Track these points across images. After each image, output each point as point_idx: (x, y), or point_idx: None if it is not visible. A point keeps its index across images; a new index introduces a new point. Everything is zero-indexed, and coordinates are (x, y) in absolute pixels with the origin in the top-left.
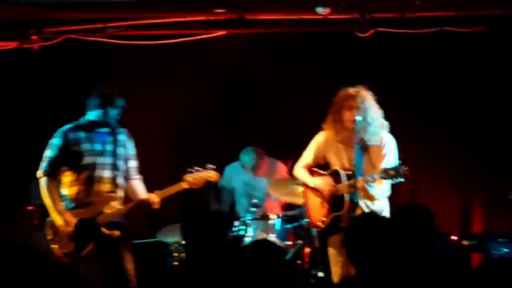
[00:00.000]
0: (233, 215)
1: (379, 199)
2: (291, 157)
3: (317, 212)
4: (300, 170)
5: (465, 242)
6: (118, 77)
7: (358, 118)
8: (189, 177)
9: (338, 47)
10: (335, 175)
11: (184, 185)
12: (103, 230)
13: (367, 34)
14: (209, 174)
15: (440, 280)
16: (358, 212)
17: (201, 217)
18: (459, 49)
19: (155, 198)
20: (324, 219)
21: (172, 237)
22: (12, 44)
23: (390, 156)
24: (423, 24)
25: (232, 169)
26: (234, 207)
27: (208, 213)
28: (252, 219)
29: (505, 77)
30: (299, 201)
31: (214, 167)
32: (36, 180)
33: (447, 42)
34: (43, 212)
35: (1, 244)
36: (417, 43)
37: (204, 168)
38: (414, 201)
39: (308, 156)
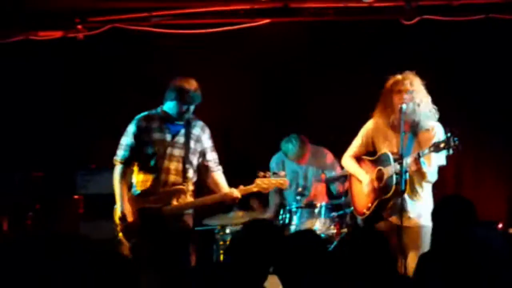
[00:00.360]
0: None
1: (429, 179)
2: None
3: (363, 200)
4: (347, 160)
5: (511, 230)
6: (162, 67)
7: (404, 106)
8: (260, 181)
9: (383, 35)
10: (383, 158)
11: (254, 188)
12: (169, 220)
13: (413, 21)
14: (280, 181)
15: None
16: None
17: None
18: (505, 36)
19: (237, 193)
20: (370, 205)
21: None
22: (57, 34)
23: None
24: (469, 11)
25: (277, 160)
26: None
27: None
28: (297, 207)
29: None
30: None
31: (284, 173)
32: (82, 170)
33: (493, 29)
34: (89, 201)
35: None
36: (463, 30)
37: (277, 174)
38: (459, 191)
39: (356, 143)
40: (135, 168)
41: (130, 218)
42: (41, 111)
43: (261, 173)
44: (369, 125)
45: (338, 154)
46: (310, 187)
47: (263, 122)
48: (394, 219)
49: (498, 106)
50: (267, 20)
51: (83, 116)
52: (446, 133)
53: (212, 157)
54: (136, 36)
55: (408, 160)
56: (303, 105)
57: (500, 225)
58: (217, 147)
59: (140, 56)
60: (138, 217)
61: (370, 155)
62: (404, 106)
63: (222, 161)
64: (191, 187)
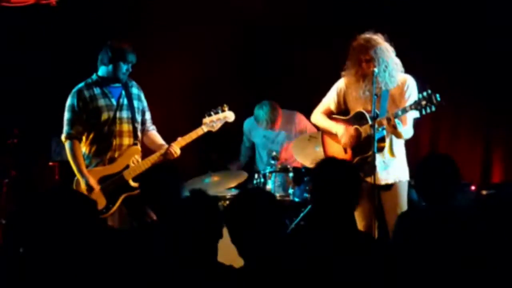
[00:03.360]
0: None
1: (405, 137)
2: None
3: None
4: (318, 116)
5: (483, 192)
6: (135, 27)
7: (375, 70)
8: (207, 120)
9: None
10: (359, 117)
11: (203, 129)
12: (131, 183)
13: None
14: (226, 114)
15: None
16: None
17: None
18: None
19: (176, 148)
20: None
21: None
22: (30, 0)
23: (413, 98)
24: None
25: (249, 124)
26: (253, 162)
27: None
28: (271, 172)
29: None
30: None
31: (227, 106)
32: (57, 137)
33: None
34: (64, 168)
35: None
36: None
37: (221, 109)
38: (435, 151)
39: (327, 101)
40: (87, 139)
41: (96, 187)
42: (16, 77)
43: (206, 113)
44: (340, 83)
45: None
46: (283, 151)
47: (241, 84)
48: (370, 179)
49: (474, 67)
50: None
51: (58, 83)
52: (424, 89)
53: (148, 116)
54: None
55: (386, 118)
56: (275, 66)
57: (473, 187)
58: (190, 108)
59: (115, 19)
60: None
61: (342, 115)
62: (376, 70)
63: (194, 123)
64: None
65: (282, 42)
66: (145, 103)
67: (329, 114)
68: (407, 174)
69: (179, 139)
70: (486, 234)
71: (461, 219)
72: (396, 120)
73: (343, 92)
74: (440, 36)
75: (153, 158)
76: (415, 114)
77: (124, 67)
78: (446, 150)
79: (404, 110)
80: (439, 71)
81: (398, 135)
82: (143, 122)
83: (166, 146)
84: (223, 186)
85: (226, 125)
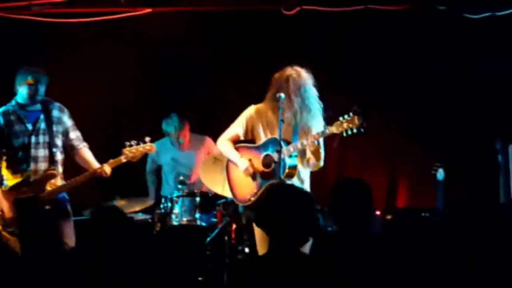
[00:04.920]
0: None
1: (323, 160)
2: None
3: (246, 187)
4: (223, 143)
5: (388, 217)
6: (45, 55)
7: (282, 95)
8: (127, 151)
9: (265, 25)
10: (271, 144)
11: (122, 159)
12: (46, 207)
13: (293, 12)
14: (147, 147)
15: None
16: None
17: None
18: (383, 27)
19: (107, 168)
20: (256, 191)
21: None
22: None
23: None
24: (349, 2)
25: (158, 146)
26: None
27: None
28: (178, 196)
29: (431, 53)
30: (223, 192)
31: (149, 139)
32: None
33: (372, 20)
34: None
35: None
36: (343, 21)
37: (142, 141)
38: (342, 175)
39: (235, 128)
40: (3, 163)
41: (8, 213)
42: None
43: (127, 143)
44: (251, 110)
45: None
46: (190, 175)
47: (149, 111)
48: None
49: (380, 93)
50: (149, 10)
51: None
52: (348, 112)
53: (75, 135)
54: (17, 24)
55: (304, 142)
56: (188, 94)
57: (378, 212)
58: (106, 134)
59: (23, 45)
60: (15, 208)
61: (248, 143)
62: (282, 95)
63: (112, 147)
64: (60, 170)
65: (195, 69)
66: (68, 124)
67: (236, 141)
68: None
69: (111, 161)
70: (394, 258)
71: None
72: (321, 140)
73: (253, 120)
74: (341, 65)
75: (80, 178)
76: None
77: (31, 88)
78: (353, 176)
79: (325, 132)
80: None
81: (319, 156)
82: (69, 143)
83: (96, 166)
84: (129, 210)
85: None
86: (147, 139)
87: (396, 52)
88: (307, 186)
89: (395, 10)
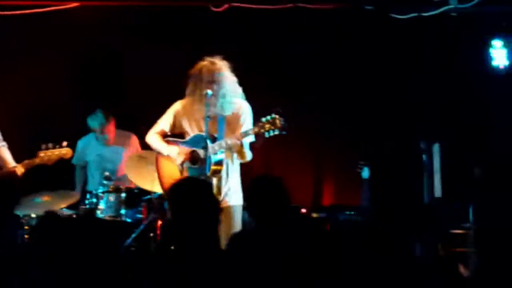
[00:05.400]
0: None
1: (248, 159)
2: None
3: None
4: (153, 137)
5: (314, 215)
6: None
7: (209, 92)
8: (42, 153)
9: (193, 22)
10: (196, 140)
11: (36, 161)
12: None
13: (222, 8)
14: (63, 151)
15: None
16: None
17: None
18: (312, 26)
19: (21, 168)
20: None
21: (25, 209)
22: None
23: (247, 124)
24: (278, 0)
25: (84, 143)
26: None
27: None
28: (103, 192)
29: (360, 51)
30: (152, 187)
31: (67, 143)
32: None
33: (300, 18)
34: None
35: None
36: (271, 18)
37: (59, 145)
38: (267, 173)
39: (162, 123)
40: None
41: None
42: None
43: (43, 145)
44: (177, 106)
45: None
46: (116, 171)
47: (74, 107)
48: None
49: (304, 89)
50: (76, 4)
51: None
52: (270, 113)
53: None
54: None
55: (228, 141)
56: (114, 90)
57: (304, 210)
58: (27, 131)
59: None
60: None
61: (177, 137)
62: (209, 92)
63: (37, 144)
64: None
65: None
66: None
67: (164, 136)
68: (241, 197)
69: (25, 162)
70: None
71: (290, 240)
72: (243, 140)
73: (180, 115)
74: (268, 62)
75: None
76: (251, 138)
77: None
78: (279, 174)
79: (247, 133)
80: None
81: (243, 155)
82: None
83: (12, 165)
84: (54, 206)
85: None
86: (64, 143)
87: (323, 50)
88: (234, 185)
89: (323, 9)
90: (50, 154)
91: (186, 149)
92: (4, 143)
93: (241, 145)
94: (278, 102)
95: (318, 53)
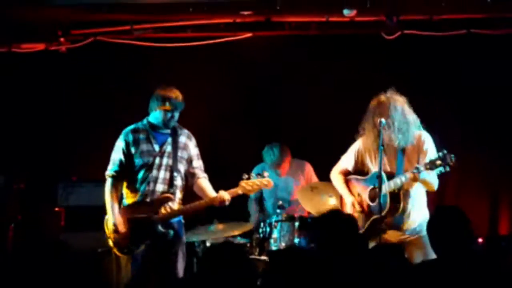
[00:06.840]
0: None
1: (434, 187)
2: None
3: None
4: (336, 176)
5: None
6: (146, 79)
7: (383, 120)
8: (244, 183)
9: (365, 49)
10: (375, 178)
11: (239, 191)
12: (159, 228)
13: (394, 36)
14: (264, 181)
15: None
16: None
17: None
18: (486, 51)
19: (226, 195)
20: (363, 223)
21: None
22: (39, 46)
23: (431, 151)
24: (450, 26)
25: (258, 169)
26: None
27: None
28: (277, 221)
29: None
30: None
31: (267, 173)
32: (63, 182)
33: (474, 44)
34: (70, 213)
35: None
36: (444, 45)
37: (260, 175)
38: (441, 202)
39: (346, 161)
40: (125, 180)
41: (122, 229)
42: (24, 123)
43: (245, 175)
44: (358, 144)
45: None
46: (289, 200)
47: (247, 132)
48: (390, 235)
49: (482, 118)
50: (249, 34)
51: (65, 128)
52: (440, 149)
53: (198, 164)
54: (118, 49)
55: (403, 178)
56: (287, 118)
57: (480, 240)
58: (203, 155)
59: (122, 69)
60: (129, 227)
61: (359, 174)
62: (383, 120)
63: (208, 169)
64: (179, 195)
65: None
66: (193, 152)
67: (347, 174)
68: None
69: (230, 190)
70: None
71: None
72: (422, 172)
73: (361, 154)
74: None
75: (196, 205)
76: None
77: (167, 114)
78: (453, 203)
79: (419, 169)
80: (445, 122)
81: (428, 185)
82: (192, 171)
83: (213, 195)
84: (226, 233)
85: None
86: (266, 173)
87: (500, 78)
88: (422, 213)
89: (497, 34)
90: (251, 184)
91: (365, 189)
92: (205, 175)
93: (416, 179)
94: (454, 128)
95: (494, 80)
